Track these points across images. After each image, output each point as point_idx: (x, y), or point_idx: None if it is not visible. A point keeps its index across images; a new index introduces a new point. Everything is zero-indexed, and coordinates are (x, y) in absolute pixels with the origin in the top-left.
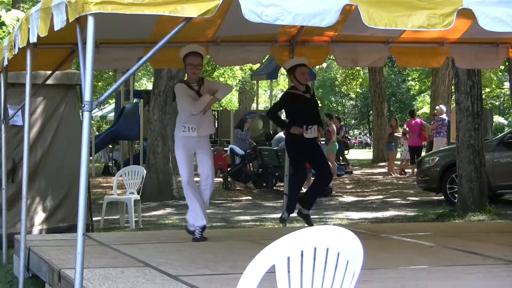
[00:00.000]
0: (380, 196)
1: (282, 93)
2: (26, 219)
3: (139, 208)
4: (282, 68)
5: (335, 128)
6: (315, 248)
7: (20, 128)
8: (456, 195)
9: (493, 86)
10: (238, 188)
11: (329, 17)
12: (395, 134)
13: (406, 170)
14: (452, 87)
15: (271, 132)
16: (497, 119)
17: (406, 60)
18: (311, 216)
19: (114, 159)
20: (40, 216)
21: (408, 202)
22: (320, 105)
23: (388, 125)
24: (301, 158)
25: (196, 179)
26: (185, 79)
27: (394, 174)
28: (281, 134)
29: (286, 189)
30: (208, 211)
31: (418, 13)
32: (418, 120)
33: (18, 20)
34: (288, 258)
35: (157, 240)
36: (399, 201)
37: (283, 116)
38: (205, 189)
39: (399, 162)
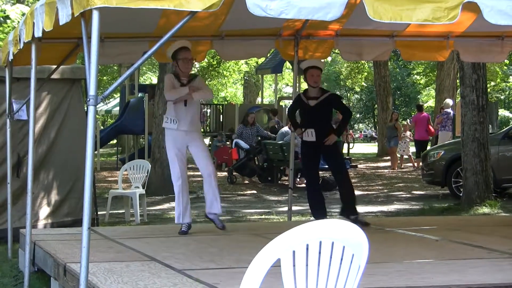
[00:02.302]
0: (385, 190)
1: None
2: (31, 213)
3: (144, 202)
4: (287, 62)
5: None
6: (320, 242)
7: (25, 123)
8: (461, 189)
9: (498, 79)
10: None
11: (334, 10)
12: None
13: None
14: (457, 81)
15: (276, 126)
16: (502, 112)
17: (411, 54)
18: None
19: None
20: (45, 210)
21: (413, 196)
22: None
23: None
24: (309, 162)
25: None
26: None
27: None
28: (286, 128)
29: (291, 183)
30: None
31: (423, 6)
32: (425, 114)
33: (23, 15)
34: (294, 252)
35: (162, 234)
36: (404, 195)
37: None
38: (208, 177)
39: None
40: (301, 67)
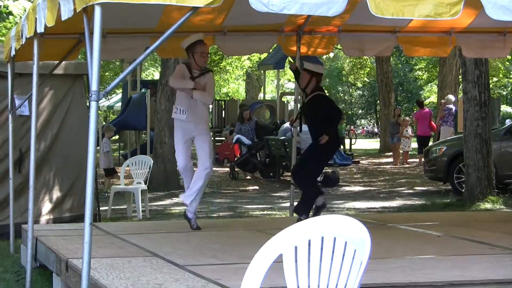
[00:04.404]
0: (387, 186)
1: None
2: (33, 209)
3: (146, 198)
4: (289, 58)
5: None
6: (322, 238)
7: (27, 118)
8: (464, 185)
9: (501, 75)
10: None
11: (336, 6)
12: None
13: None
14: (460, 77)
15: (278, 122)
16: (505, 108)
17: (413, 50)
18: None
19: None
20: (47, 206)
21: (416, 191)
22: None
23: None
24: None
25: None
26: None
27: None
28: (287, 124)
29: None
30: (215, 200)
31: (425, 2)
32: (427, 109)
33: (25, 10)
34: (296, 247)
35: (164, 230)
36: (406, 191)
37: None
38: (204, 170)
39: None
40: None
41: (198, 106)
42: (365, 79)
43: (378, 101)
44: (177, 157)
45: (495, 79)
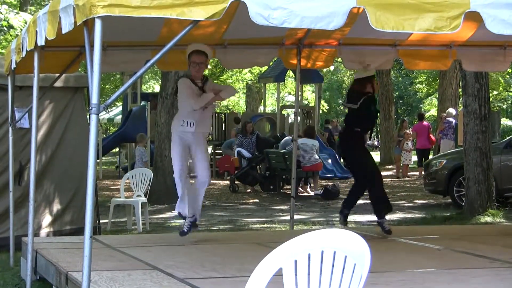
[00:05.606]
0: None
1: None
2: (33, 221)
3: (146, 210)
4: (289, 71)
5: None
6: (322, 251)
7: (27, 131)
8: (464, 198)
9: (501, 88)
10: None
11: (336, 20)
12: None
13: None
14: (460, 90)
15: (278, 135)
16: (505, 121)
17: (414, 63)
18: (319, 219)
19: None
20: (47, 218)
21: (416, 205)
22: (327, 107)
23: (396, 127)
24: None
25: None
26: None
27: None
28: (288, 137)
29: (293, 192)
30: (215, 213)
31: (426, 16)
32: (426, 123)
33: (26, 23)
34: (296, 261)
35: (164, 243)
36: (406, 204)
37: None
38: (202, 184)
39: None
40: (359, 77)
41: (204, 117)
42: None
43: (378, 114)
44: (174, 164)
45: (495, 92)
